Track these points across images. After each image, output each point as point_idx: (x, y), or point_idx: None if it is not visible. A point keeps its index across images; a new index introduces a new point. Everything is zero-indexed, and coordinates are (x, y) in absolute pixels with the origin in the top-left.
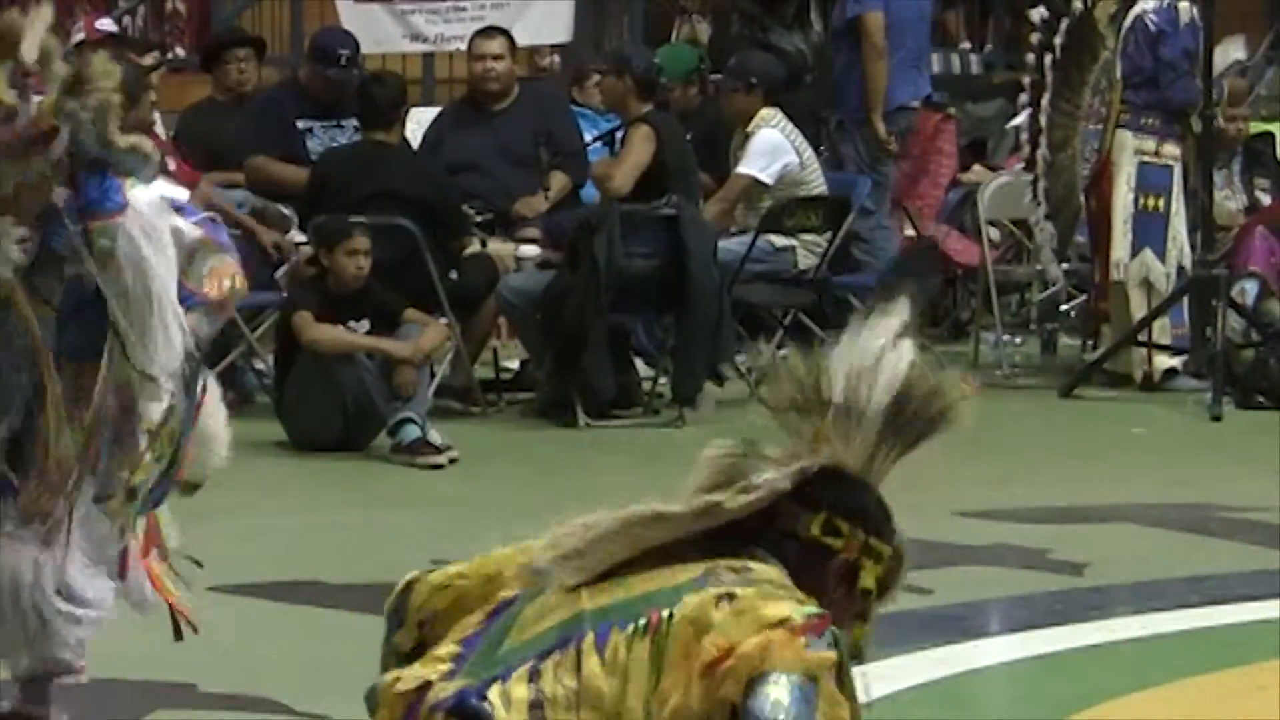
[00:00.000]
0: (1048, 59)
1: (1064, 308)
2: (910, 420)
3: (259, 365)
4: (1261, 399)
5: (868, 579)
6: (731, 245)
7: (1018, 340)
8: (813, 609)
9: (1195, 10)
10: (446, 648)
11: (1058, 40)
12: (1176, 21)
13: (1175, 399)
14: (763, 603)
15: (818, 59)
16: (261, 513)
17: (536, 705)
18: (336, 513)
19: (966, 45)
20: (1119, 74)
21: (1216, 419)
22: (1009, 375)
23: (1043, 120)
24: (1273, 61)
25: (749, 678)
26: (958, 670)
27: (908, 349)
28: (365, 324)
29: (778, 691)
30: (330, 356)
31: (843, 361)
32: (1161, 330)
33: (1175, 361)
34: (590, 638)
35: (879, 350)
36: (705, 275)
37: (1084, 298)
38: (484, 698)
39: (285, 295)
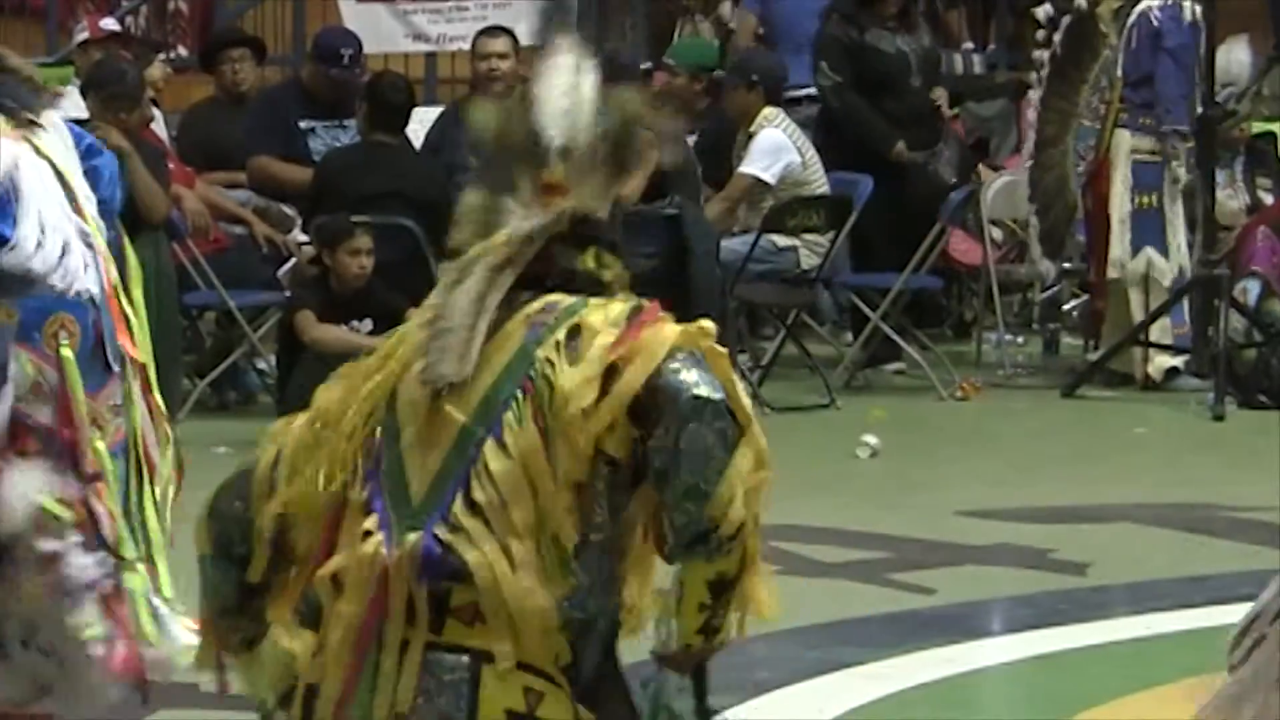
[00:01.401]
0: (1044, 55)
1: (1066, 307)
2: (626, 143)
3: (261, 365)
4: (1263, 399)
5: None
6: (734, 245)
7: (1020, 340)
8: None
9: (1198, 9)
10: (357, 493)
11: (1055, 37)
12: (1181, 19)
13: (1177, 399)
14: (601, 311)
15: (924, 64)
16: None
17: (487, 525)
18: None
19: (969, 45)
20: (1119, 71)
21: (1219, 419)
22: (1011, 375)
23: (1031, 116)
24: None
25: (648, 370)
26: (960, 670)
27: (589, 82)
28: (368, 324)
29: (684, 372)
30: (333, 356)
31: (544, 107)
32: (1162, 330)
33: (1177, 361)
34: (489, 440)
35: (571, 88)
36: (708, 275)
37: (1086, 297)
38: (439, 541)
39: (288, 295)
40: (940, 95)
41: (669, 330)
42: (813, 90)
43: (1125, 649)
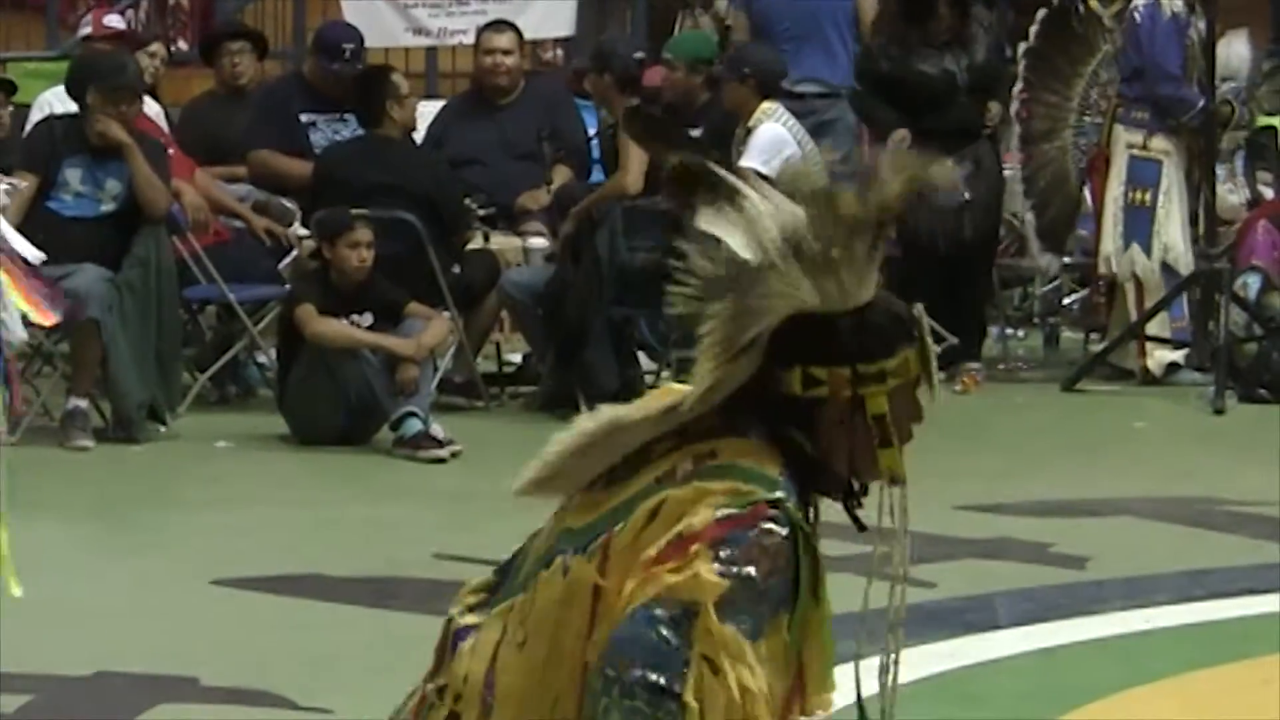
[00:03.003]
0: (1021, 47)
1: (1066, 301)
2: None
3: (261, 359)
4: (1264, 392)
5: (876, 404)
6: None
7: (1021, 334)
8: (733, 509)
9: (1182, 3)
10: (482, 577)
11: (1032, 29)
12: (1159, 15)
13: (1178, 393)
14: (680, 508)
15: (979, 76)
16: (264, 506)
17: (499, 641)
18: (339, 506)
19: None
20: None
21: (1219, 413)
22: (1012, 369)
23: (1013, 110)
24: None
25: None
26: (960, 664)
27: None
28: (368, 317)
29: (634, 629)
30: (333, 350)
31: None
32: (1162, 324)
33: (1178, 355)
34: (558, 561)
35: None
36: None
37: (1086, 291)
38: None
39: (288, 289)
40: (996, 110)
41: (667, 576)
42: (811, 87)
43: (1125, 643)
